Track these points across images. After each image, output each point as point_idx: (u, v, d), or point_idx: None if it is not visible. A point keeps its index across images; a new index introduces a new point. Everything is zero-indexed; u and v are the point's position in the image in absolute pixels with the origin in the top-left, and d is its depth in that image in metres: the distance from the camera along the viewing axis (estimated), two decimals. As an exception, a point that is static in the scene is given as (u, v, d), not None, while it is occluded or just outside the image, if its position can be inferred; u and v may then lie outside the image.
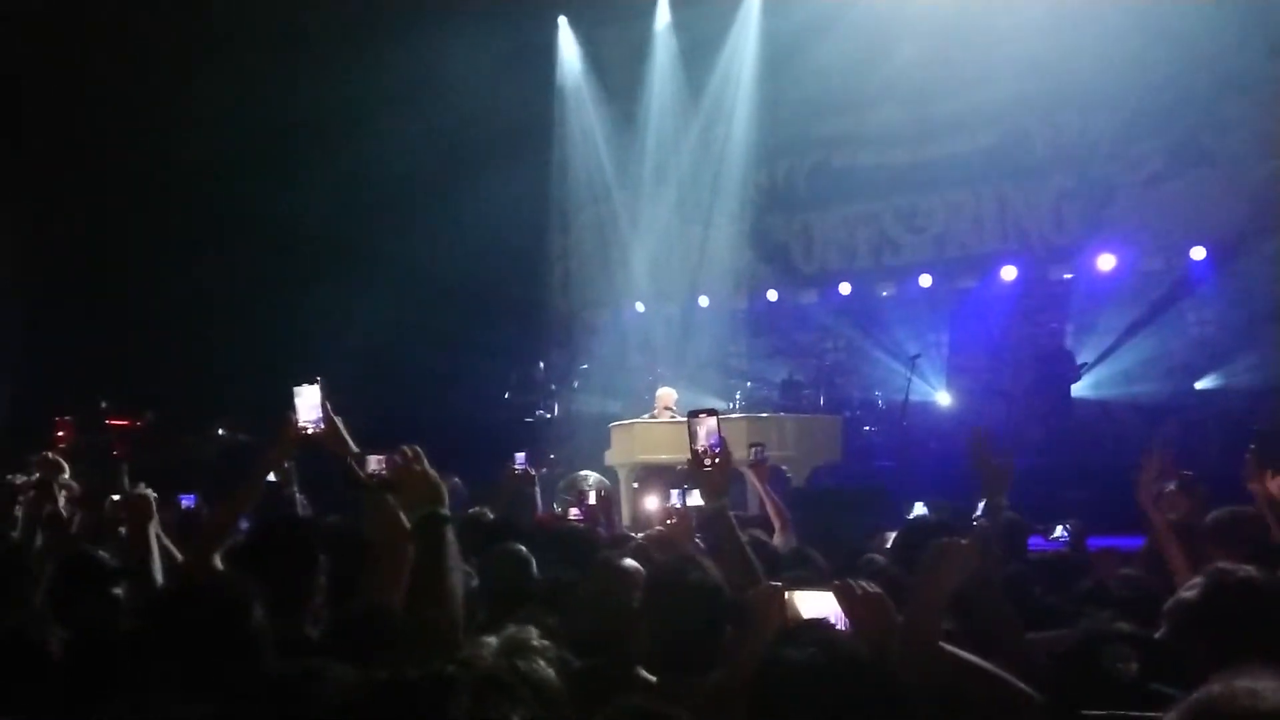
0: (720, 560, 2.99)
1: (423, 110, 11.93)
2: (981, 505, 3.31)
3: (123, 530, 4.33)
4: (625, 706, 1.93)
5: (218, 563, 3.22)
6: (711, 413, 3.31)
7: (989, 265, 12.47)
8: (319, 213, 12.12)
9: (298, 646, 2.58)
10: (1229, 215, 11.19)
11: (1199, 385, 11.03)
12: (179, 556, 3.63)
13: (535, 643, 1.53)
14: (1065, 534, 4.84)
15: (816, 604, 2.54)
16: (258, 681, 2.10)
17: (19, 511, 4.67)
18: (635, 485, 9.58)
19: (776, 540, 4.82)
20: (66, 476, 4.28)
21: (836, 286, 13.42)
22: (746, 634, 2.54)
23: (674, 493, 5.05)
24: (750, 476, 5.75)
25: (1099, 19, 11.64)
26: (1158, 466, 3.99)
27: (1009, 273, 12.24)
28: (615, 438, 10.46)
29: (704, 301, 14.25)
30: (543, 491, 6.79)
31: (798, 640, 1.95)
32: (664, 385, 11.02)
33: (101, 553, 3.88)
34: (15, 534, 4.61)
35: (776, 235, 14.15)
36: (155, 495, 3.65)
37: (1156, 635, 2.57)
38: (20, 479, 4.35)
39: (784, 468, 9.26)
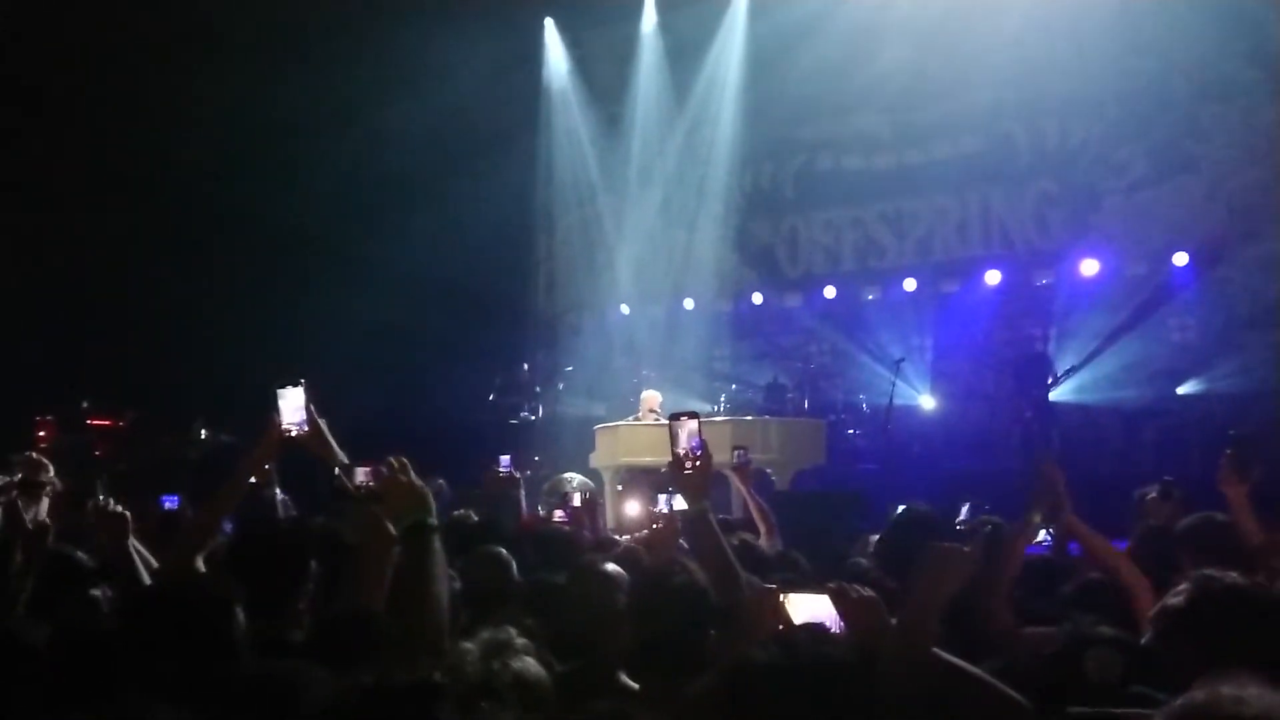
0: (702, 563, 2.99)
1: (408, 111, 11.90)
2: (966, 508, 3.32)
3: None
4: (598, 712, 1.92)
5: (200, 565, 3.21)
6: (693, 415, 3.32)
7: (973, 269, 12.52)
8: (304, 214, 12.07)
9: (281, 650, 2.56)
10: (1211, 221, 11.28)
11: (1181, 390, 11.09)
12: (155, 564, 3.60)
13: (517, 643, 1.53)
14: (1048, 538, 4.84)
15: (811, 607, 2.53)
16: (235, 683, 2.09)
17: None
18: (619, 488, 9.59)
19: (762, 544, 4.82)
20: (50, 475, 4.21)
21: (821, 290, 13.45)
22: (737, 637, 2.54)
23: (661, 498, 5.03)
24: (734, 480, 5.75)
25: (1081, 26, 11.72)
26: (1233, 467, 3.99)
27: (993, 277, 12.28)
28: (600, 440, 10.47)
29: (689, 304, 14.25)
30: (527, 494, 6.77)
31: (779, 643, 1.94)
32: (649, 388, 11.03)
33: (80, 554, 3.85)
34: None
35: (761, 238, 14.17)
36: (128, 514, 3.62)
37: (1143, 641, 2.58)
38: (2, 479, 4.28)
39: (768, 471, 9.27)
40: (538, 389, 13.55)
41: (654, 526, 4.51)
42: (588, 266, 14.94)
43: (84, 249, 12.02)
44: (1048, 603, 3.74)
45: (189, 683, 2.16)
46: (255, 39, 11.76)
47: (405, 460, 2.58)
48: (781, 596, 2.65)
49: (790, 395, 12.11)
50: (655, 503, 5.23)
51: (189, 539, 3.36)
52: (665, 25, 14.06)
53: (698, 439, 3.27)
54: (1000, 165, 12.51)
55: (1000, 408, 11.75)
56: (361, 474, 3.14)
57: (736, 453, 5.68)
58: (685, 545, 3.88)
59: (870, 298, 13.26)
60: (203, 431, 10.92)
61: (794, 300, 13.90)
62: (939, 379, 12.59)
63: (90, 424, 10.92)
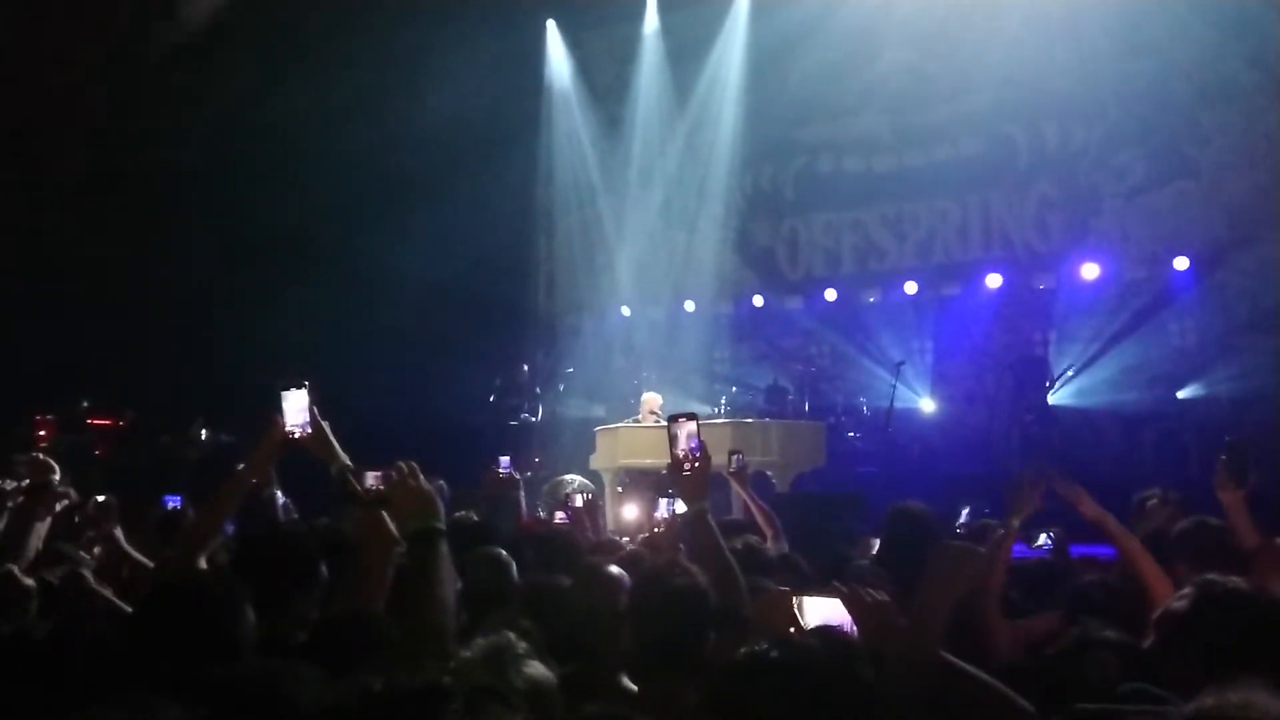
0: (701, 564, 2.99)
1: (409, 112, 11.90)
2: (966, 511, 3.33)
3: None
4: (592, 714, 1.91)
5: (202, 564, 3.20)
6: (691, 417, 3.33)
7: (973, 273, 12.53)
8: (304, 214, 12.07)
9: (282, 651, 2.56)
10: (1211, 225, 11.29)
11: (1181, 394, 11.10)
12: (148, 564, 3.59)
13: (519, 646, 1.53)
14: (1049, 542, 4.84)
15: (824, 610, 2.52)
16: (228, 682, 2.08)
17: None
18: (620, 490, 9.58)
19: (768, 547, 4.80)
20: (57, 479, 4.10)
21: (822, 292, 13.45)
22: (751, 640, 2.53)
23: (662, 501, 5.02)
24: (734, 484, 5.73)
25: (1081, 28, 11.73)
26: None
27: (994, 280, 12.29)
28: (600, 442, 10.47)
29: (689, 306, 14.26)
30: (527, 495, 6.77)
31: (779, 643, 1.94)
32: (649, 390, 11.03)
33: (80, 553, 3.85)
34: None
35: (762, 240, 14.17)
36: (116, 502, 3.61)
37: (1145, 645, 2.58)
38: (9, 484, 4.17)
39: (769, 473, 9.26)
40: (538, 390, 13.55)
41: (654, 530, 4.51)
42: (588, 268, 14.94)
43: (84, 249, 12.01)
44: (1047, 606, 3.75)
45: (191, 681, 2.15)
46: (255, 39, 11.76)
47: (414, 465, 2.61)
48: (795, 600, 2.64)
49: (790, 397, 12.11)
50: (655, 505, 5.22)
51: (191, 539, 3.35)
52: (666, 26, 14.07)
53: (696, 440, 3.28)
54: (1000, 168, 12.51)
55: (1000, 411, 11.74)
56: (372, 478, 3.15)
57: (734, 457, 5.65)
58: (683, 546, 3.88)
59: (871, 300, 13.26)
60: (203, 431, 10.92)
61: (794, 302, 13.90)
62: (939, 382, 12.60)
63: (90, 424, 10.92)
